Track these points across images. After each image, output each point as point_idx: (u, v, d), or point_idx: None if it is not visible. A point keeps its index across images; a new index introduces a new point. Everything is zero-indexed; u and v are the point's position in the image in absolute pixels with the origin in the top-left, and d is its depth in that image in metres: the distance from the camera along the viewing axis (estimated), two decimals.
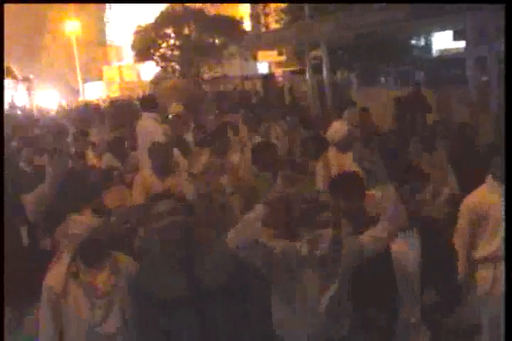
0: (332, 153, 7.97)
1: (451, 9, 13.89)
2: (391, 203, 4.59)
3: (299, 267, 4.41)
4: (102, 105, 27.35)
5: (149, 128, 10.31)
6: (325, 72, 15.23)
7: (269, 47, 20.88)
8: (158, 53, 31.01)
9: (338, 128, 8.21)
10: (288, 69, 23.07)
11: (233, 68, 28.39)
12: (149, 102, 11.12)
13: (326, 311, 4.42)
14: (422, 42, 19.75)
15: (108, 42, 49.40)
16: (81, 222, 4.66)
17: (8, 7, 47.93)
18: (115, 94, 41.14)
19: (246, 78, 23.48)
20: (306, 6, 15.43)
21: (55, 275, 4.69)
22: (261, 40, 19.78)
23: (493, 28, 12.84)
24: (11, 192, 7.11)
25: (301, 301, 4.45)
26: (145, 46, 31.10)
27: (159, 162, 7.66)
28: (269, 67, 29.75)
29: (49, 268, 4.80)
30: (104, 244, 4.69)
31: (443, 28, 16.91)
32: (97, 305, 4.60)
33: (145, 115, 10.76)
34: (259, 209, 4.36)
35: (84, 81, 50.23)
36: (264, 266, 4.48)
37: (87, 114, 19.89)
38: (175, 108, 15.73)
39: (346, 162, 7.80)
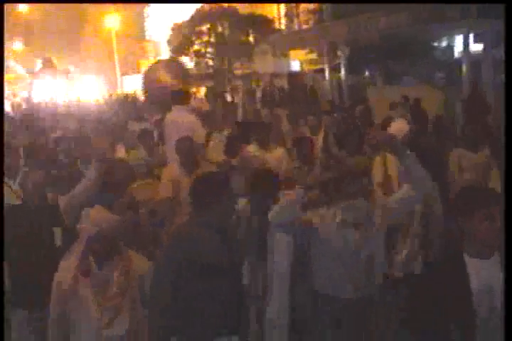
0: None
1: (473, 12, 14.31)
2: (413, 169, 4.92)
3: (335, 233, 4.92)
4: (140, 98, 27.84)
5: (178, 122, 10.11)
6: (343, 72, 15.94)
7: (298, 46, 21.56)
8: (192, 49, 31.86)
9: (399, 127, 8.26)
10: (311, 67, 23.87)
11: (265, 65, 29.05)
12: (180, 96, 10.95)
13: (364, 267, 4.93)
14: (444, 44, 20.33)
15: (146, 37, 50.09)
16: (93, 216, 4.59)
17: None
18: None
19: (275, 75, 24.19)
20: (329, 8, 16.18)
21: (64, 271, 4.61)
22: (289, 39, 20.57)
23: None
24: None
25: (341, 259, 4.92)
26: (180, 42, 32.06)
27: (186, 156, 7.75)
28: (301, 65, 30.37)
29: (60, 264, 4.72)
30: (116, 241, 4.61)
31: (464, 31, 17.41)
32: (106, 306, 4.50)
33: (175, 108, 10.59)
34: (299, 193, 4.81)
35: (122, 74, 50.82)
36: (302, 237, 5.04)
37: (125, 106, 20.27)
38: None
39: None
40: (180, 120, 10.07)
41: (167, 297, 4.51)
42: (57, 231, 5.93)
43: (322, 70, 18.84)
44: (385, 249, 5.21)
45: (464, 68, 13.85)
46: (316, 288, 5.13)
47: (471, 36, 17.38)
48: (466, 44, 14.97)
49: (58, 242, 5.83)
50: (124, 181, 7.19)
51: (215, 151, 9.39)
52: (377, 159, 8.02)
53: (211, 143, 10.39)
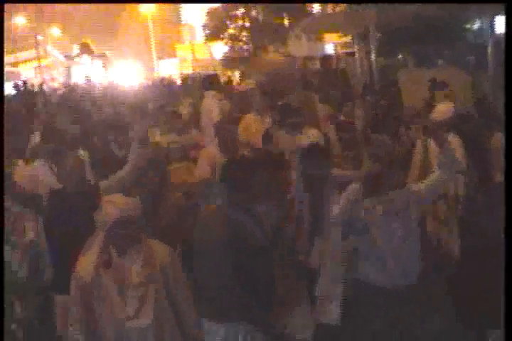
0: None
1: None
2: (448, 153, 5.30)
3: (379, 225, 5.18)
4: (176, 81, 28.08)
5: (210, 106, 10.63)
6: (373, 55, 16.09)
7: (330, 29, 21.68)
8: (227, 33, 32.21)
9: (444, 110, 8.21)
10: (345, 50, 24.01)
11: (299, 48, 29.16)
12: (212, 81, 11.58)
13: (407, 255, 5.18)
14: (476, 27, 20.30)
15: (182, 21, 50.38)
16: (114, 202, 4.49)
17: None
18: (188, 70, 42.19)
19: (309, 58, 24.30)
20: None
21: (84, 264, 4.49)
22: (321, 22, 20.71)
23: None
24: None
25: (387, 248, 5.18)
26: (215, 26, 32.48)
27: (225, 140, 7.85)
28: (335, 48, 30.39)
29: (79, 256, 4.62)
30: (137, 228, 4.52)
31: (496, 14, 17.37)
32: (130, 296, 4.41)
33: (207, 93, 11.07)
34: (356, 188, 5.10)
35: (159, 58, 51.25)
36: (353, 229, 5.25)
37: (162, 90, 20.54)
38: (246, 83, 15.93)
39: (455, 143, 7.52)
40: (212, 104, 10.53)
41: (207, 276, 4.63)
42: None
43: (353, 53, 19.01)
44: (422, 234, 5.47)
45: (489, 50, 13.89)
46: (361, 278, 5.36)
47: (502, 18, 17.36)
48: (492, 26, 15.04)
49: None
50: (161, 164, 7.54)
51: (250, 132, 9.51)
52: (419, 143, 8.15)
53: (246, 123, 10.28)
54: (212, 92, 11.03)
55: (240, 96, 13.45)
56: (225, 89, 13.73)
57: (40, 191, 6.59)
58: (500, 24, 17.11)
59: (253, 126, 9.78)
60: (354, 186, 5.11)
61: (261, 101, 10.32)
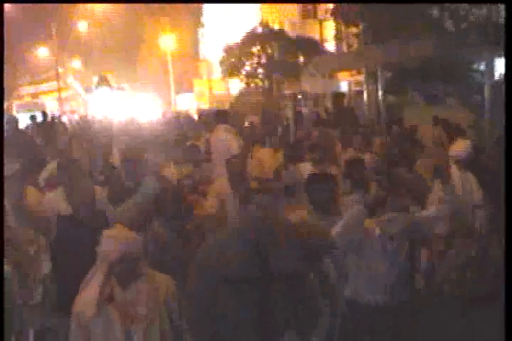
0: (453, 170, 7.90)
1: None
2: (449, 197, 5.62)
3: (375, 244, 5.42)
4: (193, 116, 28.54)
5: (224, 139, 10.76)
6: (380, 93, 16.62)
7: (341, 68, 22.36)
8: (243, 70, 33.05)
9: (462, 146, 8.40)
10: (357, 88, 24.64)
11: (313, 86, 29.69)
12: (223, 115, 11.75)
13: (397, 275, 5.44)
14: (483, 67, 20.77)
15: (201, 56, 51.14)
16: (114, 237, 4.45)
17: (106, 16, 50.51)
18: (204, 105, 42.77)
19: (323, 95, 24.87)
20: (369, 33, 17.02)
21: (86, 300, 4.41)
22: (332, 61, 21.39)
23: None
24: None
25: (375, 268, 5.44)
26: (231, 63, 33.32)
27: (235, 173, 7.97)
28: (349, 85, 30.93)
29: (80, 291, 4.54)
30: (140, 261, 4.46)
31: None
32: (134, 330, 4.36)
33: (219, 127, 11.27)
34: (360, 209, 5.36)
35: (176, 92, 51.96)
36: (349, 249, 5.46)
37: (178, 124, 20.92)
38: (251, 118, 16.26)
39: (469, 180, 7.94)
40: (223, 138, 10.77)
41: (205, 309, 4.47)
42: None
43: (361, 92, 19.61)
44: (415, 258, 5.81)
45: (486, 91, 14.38)
46: (350, 296, 5.59)
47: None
48: (489, 67, 15.54)
49: None
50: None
51: (259, 166, 9.62)
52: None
53: (257, 156, 10.62)
54: (224, 126, 11.27)
55: (252, 130, 13.97)
56: (236, 123, 14.05)
57: (51, 217, 6.67)
58: (500, 66, 17.67)
59: (267, 160, 10.02)
60: (357, 207, 5.40)
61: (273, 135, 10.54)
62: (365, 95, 18.11)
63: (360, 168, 7.93)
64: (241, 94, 33.21)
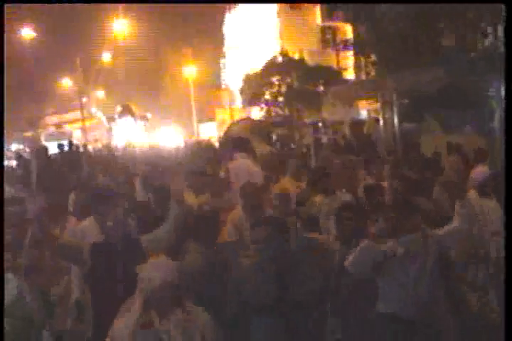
0: (472, 196, 7.87)
1: None
2: (465, 211, 5.83)
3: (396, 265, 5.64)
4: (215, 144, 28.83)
5: (245, 168, 10.43)
6: (396, 121, 16.98)
7: (358, 96, 22.76)
8: (263, 99, 33.63)
9: (480, 171, 8.47)
10: (376, 116, 25.01)
11: (334, 114, 30.01)
12: (242, 144, 11.51)
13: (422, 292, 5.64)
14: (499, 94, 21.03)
15: (222, 86, 51.69)
16: (156, 266, 4.49)
17: (129, 47, 51.31)
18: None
19: (341, 123, 25.23)
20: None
21: (122, 327, 4.45)
22: (349, 90, 21.82)
23: None
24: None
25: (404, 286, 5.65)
26: (252, 92, 33.95)
27: (249, 201, 7.83)
28: (368, 113, 31.24)
29: (117, 318, 4.58)
30: (179, 291, 4.50)
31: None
32: None
33: (238, 155, 10.95)
34: (370, 243, 5.51)
35: (198, 121, 52.37)
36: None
37: (199, 152, 21.12)
38: (262, 148, 16.14)
39: (488, 206, 7.84)
40: (242, 167, 10.49)
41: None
42: None
43: (378, 119, 19.94)
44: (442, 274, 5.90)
45: (497, 117, 14.65)
46: (381, 310, 5.80)
47: None
48: (499, 94, 15.85)
49: None
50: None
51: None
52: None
53: (278, 186, 10.18)
54: (243, 154, 11.09)
55: (271, 159, 14.12)
56: (254, 152, 14.05)
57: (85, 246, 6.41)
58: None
59: (289, 189, 9.82)
60: (368, 242, 5.57)
61: (296, 164, 10.72)
62: (381, 123, 18.47)
63: (378, 195, 8.04)
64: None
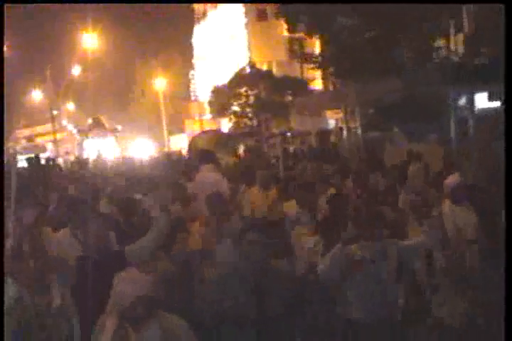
0: (446, 204, 8.06)
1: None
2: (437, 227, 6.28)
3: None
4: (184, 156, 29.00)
5: (211, 179, 10.51)
6: (359, 131, 17.45)
7: (327, 106, 23.26)
8: (231, 110, 34.09)
9: (451, 180, 8.38)
10: (339, 126, 25.54)
11: (302, 124, 30.42)
12: (208, 156, 11.65)
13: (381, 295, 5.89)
14: (461, 103, 21.57)
15: (192, 97, 51.98)
16: (128, 281, 4.42)
17: (99, 60, 51.51)
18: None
19: (308, 133, 25.68)
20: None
21: None
22: (319, 100, 22.33)
23: None
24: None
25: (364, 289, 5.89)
26: (220, 104, 34.39)
27: (215, 211, 7.98)
28: (336, 123, 31.74)
29: (95, 335, 4.53)
30: (154, 303, 4.45)
31: (479, 90, 18.68)
32: None
33: (204, 167, 11.07)
34: (339, 248, 5.74)
35: (169, 133, 52.67)
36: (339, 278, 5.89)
37: (170, 164, 21.31)
38: (228, 159, 16.57)
39: (461, 214, 7.85)
40: (208, 178, 10.63)
41: None
42: None
43: (341, 129, 20.44)
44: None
45: (471, 124, 15.07)
46: (344, 315, 6.08)
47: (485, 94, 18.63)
48: (470, 102, 16.29)
49: None
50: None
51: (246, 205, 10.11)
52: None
53: (245, 196, 10.87)
54: (209, 166, 11.22)
55: (237, 170, 14.16)
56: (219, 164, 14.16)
57: (68, 257, 6.60)
58: (480, 100, 18.42)
59: (258, 199, 10.23)
60: (337, 246, 5.83)
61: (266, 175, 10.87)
62: (344, 132, 18.93)
63: (342, 204, 8.03)
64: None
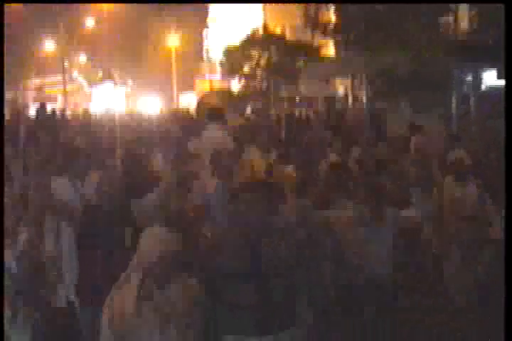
0: (448, 181, 8.24)
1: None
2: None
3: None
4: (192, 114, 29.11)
5: (217, 137, 10.66)
6: (365, 100, 17.62)
7: (337, 73, 23.40)
8: (241, 72, 34.11)
9: (453, 155, 8.88)
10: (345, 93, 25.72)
11: (310, 89, 30.48)
12: (216, 114, 11.70)
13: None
14: (470, 78, 21.69)
15: (204, 57, 51.90)
16: (155, 238, 4.37)
17: (113, 13, 51.33)
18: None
19: (316, 99, 25.81)
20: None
21: (122, 297, 4.35)
22: (330, 67, 22.47)
23: None
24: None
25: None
26: (231, 65, 34.43)
27: (219, 167, 8.13)
28: (345, 89, 31.82)
29: (114, 290, 4.46)
30: (179, 262, 4.42)
31: (487, 68, 18.81)
32: (168, 329, 4.32)
33: (212, 125, 11.28)
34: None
35: (179, 90, 52.86)
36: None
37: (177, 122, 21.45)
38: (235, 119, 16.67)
39: (464, 191, 7.97)
40: (214, 135, 10.83)
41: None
42: (128, 232, 6.00)
43: (347, 97, 20.62)
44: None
45: (472, 102, 15.24)
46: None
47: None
48: (476, 79, 16.43)
49: (128, 242, 5.89)
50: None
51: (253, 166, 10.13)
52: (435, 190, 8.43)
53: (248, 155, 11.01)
54: (216, 124, 11.32)
55: (244, 130, 14.34)
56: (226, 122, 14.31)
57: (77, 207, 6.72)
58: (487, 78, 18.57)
59: (256, 160, 10.43)
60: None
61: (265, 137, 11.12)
62: (350, 100, 19.11)
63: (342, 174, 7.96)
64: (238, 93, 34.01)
